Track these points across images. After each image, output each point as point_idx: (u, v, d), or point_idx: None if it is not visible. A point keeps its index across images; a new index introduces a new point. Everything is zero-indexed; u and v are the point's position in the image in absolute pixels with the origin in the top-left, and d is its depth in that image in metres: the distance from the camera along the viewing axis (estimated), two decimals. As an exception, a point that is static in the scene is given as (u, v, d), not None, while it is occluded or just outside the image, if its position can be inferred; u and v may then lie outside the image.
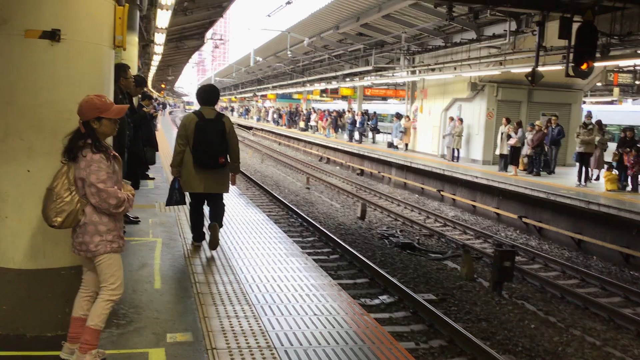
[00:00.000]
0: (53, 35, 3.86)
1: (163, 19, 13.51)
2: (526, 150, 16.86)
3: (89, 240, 3.55)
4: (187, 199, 6.88)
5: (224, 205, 6.85)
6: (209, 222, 6.66)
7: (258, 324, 4.55)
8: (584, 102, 24.13)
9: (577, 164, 15.25)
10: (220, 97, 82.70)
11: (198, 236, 6.90)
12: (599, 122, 15.28)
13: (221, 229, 6.96)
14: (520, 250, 11.98)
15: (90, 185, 3.47)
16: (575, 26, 11.80)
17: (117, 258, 3.66)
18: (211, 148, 6.32)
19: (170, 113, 67.14)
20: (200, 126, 6.33)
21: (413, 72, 23.27)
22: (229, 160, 6.58)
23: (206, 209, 6.84)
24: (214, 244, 6.54)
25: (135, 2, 12.50)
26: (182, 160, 6.47)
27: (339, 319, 4.76)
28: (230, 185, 6.76)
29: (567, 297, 9.17)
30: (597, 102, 31.85)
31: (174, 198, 6.60)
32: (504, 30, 16.42)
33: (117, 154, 3.68)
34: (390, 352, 4.21)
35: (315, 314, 4.85)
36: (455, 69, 19.60)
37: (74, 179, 3.51)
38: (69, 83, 3.96)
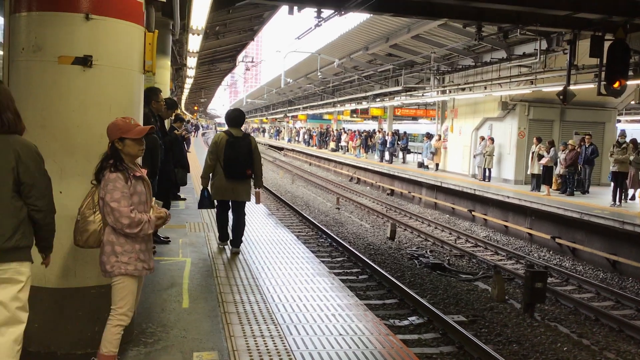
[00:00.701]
0: (85, 61, 3.99)
1: (194, 43, 13.81)
2: (559, 169, 16.63)
3: (105, 260, 3.60)
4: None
5: (244, 213, 7.64)
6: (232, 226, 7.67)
7: (283, 343, 4.57)
8: (619, 121, 23.75)
9: (612, 183, 14.97)
10: (252, 119, 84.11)
11: (223, 237, 7.85)
12: (633, 141, 14.99)
13: (248, 249, 7.80)
14: (553, 271, 11.77)
15: (105, 204, 3.52)
16: (607, 44, 11.70)
17: (131, 282, 3.66)
18: (239, 162, 7.28)
19: (203, 134, 68.02)
20: (231, 143, 7.29)
21: (443, 92, 23.25)
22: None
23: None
24: (236, 244, 7.60)
25: (167, 27, 12.82)
26: (210, 173, 7.46)
27: (364, 339, 4.75)
28: (255, 202, 7.82)
29: (602, 319, 8.96)
30: (632, 121, 31.30)
31: (205, 204, 7.52)
32: (535, 49, 16.33)
33: (142, 175, 3.72)
34: (415, 373, 4.17)
35: (340, 334, 4.85)
36: (485, 88, 19.51)
37: (98, 200, 3.61)
38: (99, 107, 4.07)
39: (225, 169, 7.27)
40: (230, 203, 7.61)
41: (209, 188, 7.47)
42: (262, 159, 7.56)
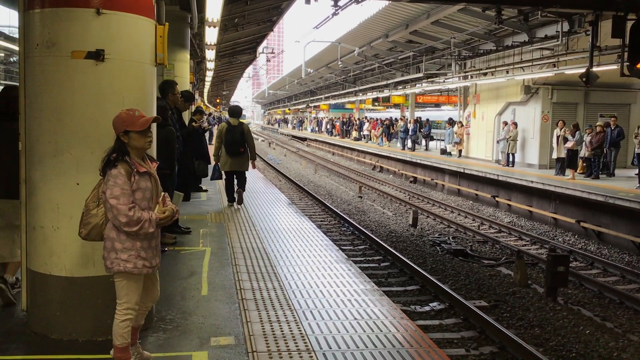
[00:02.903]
0: (97, 55, 4.08)
1: (211, 35, 13.91)
2: (584, 152, 16.40)
3: (106, 256, 3.58)
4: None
5: (245, 178, 10.56)
6: (237, 188, 10.45)
7: (299, 328, 4.64)
8: (646, 102, 23.22)
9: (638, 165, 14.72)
10: (275, 110, 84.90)
11: (231, 199, 10.54)
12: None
13: (268, 238, 8.10)
14: (578, 255, 11.66)
15: (105, 200, 3.48)
16: (629, 24, 11.46)
17: (132, 280, 3.60)
18: (235, 142, 9.93)
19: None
20: (228, 130, 9.97)
21: (465, 77, 23.03)
22: (248, 150, 10.19)
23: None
24: (240, 201, 10.50)
25: (186, 21, 12.93)
26: (219, 152, 10.14)
27: (378, 323, 4.80)
28: (250, 168, 10.45)
29: (626, 302, 8.86)
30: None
31: (215, 176, 10.31)
32: (556, 32, 16.10)
33: (149, 171, 3.65)
34: (429, 355, 4.21)
35: (355, 319, 4.90)
36: (507, 72, 19.29)
37: (100, 193, 3.58)
38: (113, 100, 4.15)
39: (226, 148, 9.97)
40: (233, 173, 10.28)
41: (219, 164, 10.21)
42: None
